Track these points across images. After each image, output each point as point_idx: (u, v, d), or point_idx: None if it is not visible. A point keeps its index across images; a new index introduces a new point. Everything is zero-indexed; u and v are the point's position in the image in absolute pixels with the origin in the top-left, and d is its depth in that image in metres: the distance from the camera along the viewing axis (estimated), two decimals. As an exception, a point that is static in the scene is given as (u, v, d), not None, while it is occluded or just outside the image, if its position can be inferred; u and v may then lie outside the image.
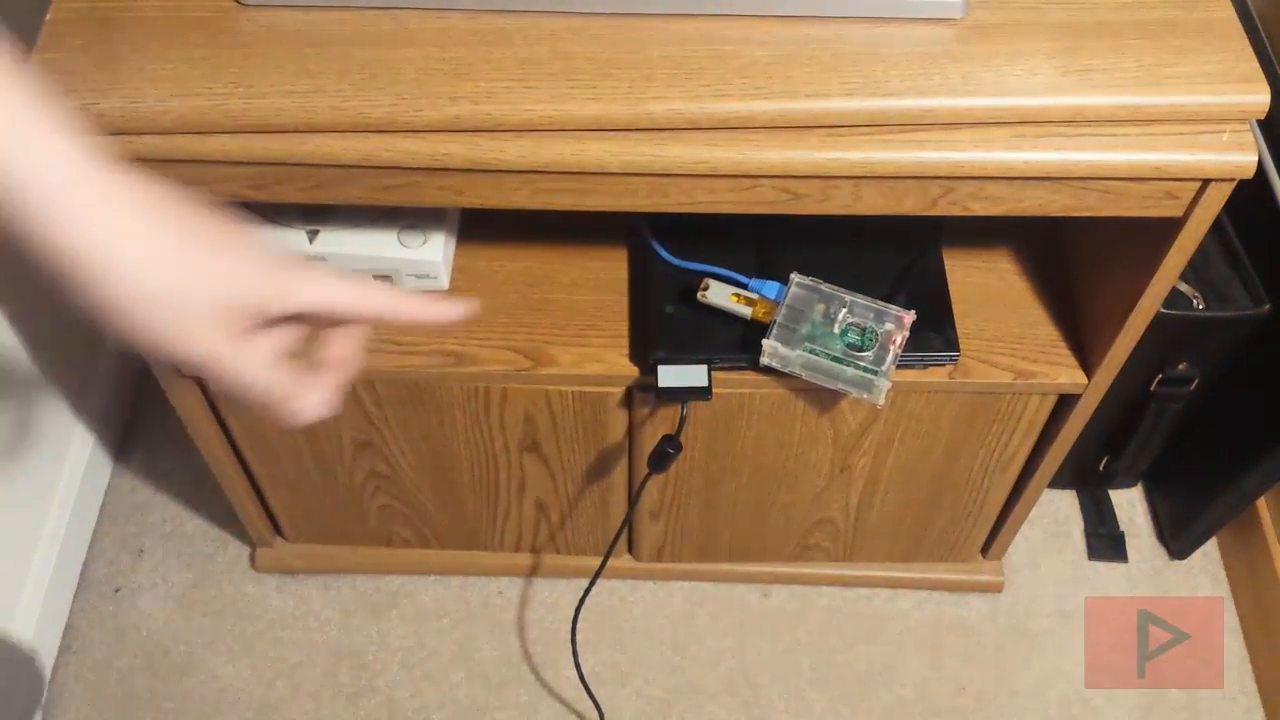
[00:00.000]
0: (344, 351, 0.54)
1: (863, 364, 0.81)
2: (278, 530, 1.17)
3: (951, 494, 1.04)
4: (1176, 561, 1.23)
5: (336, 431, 0.97)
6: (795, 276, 0.85)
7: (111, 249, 0.42)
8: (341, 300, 0.50)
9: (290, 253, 0.51)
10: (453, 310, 0.55)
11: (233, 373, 0.47)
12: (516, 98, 0.65)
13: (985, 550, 1.17)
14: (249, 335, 0.48)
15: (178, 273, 0.44)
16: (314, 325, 0.52)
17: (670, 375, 0.85)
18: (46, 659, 1.12)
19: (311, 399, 0.50)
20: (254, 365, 0.48)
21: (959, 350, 0.87)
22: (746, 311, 0.85)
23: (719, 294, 0.86)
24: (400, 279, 0.88)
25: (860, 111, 0.66)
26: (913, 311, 0.83)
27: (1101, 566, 1.23)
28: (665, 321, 0.87)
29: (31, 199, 0.41)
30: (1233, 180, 0.68)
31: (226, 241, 0.46)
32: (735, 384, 0.88)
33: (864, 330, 0.82)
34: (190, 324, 0.45)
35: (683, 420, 0.89)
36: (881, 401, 0.82)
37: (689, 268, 0.87)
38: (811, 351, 0.82)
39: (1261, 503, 1.15)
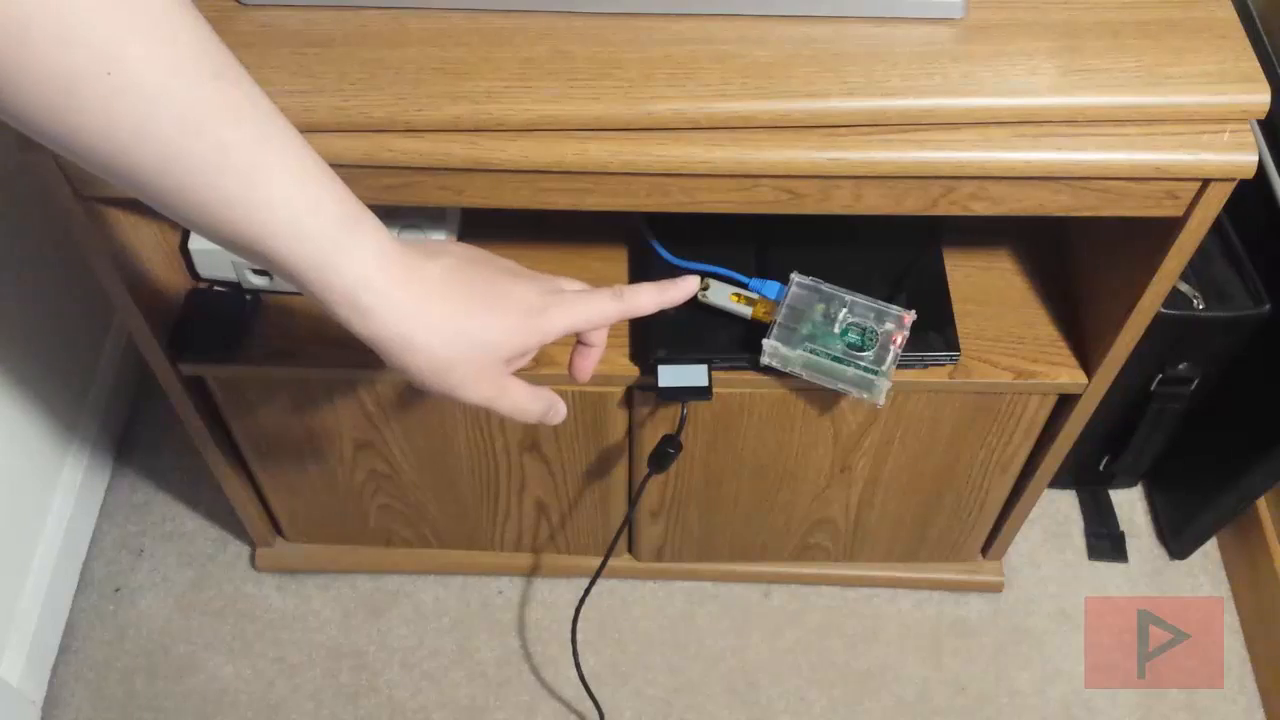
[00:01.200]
0: (585, 361, 0.69)
1: (863, 364, 0.81)
2: (278, 530, 1.17)
3: (951, 494, 1.04)
4: (1176, 561, 1.23)
5: (336, 431, 0.97)
6: (795, 276, 0.85)
7: (414, 335, 0.54)
8: (585, 322, 0.62)
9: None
10: (683, 289, 0.67)
11: (509, 405, 0.60)
12: (516, 98, 0.65)
13: (985, 550, 1.17)
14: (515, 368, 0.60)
15: (464, 346, 0.56)
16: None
17: (670, 375, 0.86)
18: (46, 661, 1.12)
19: (560, 404, 0.64)
20: (524, 395, 0.61)
21: (959, 350, 0.87)
22: (747, 311, 0.86)
23: (719, 294, 0.86)
24: (400, 279, 0.88)
25: (861, 111, 0.66)
26: (913, 311, 0.83)
27: (1101, 566, 1.23)
28: (665, 321, 0.87)
29: (347, 299, 0.52)
30: (1233, 180, 0.68)
31: (497, 299, 0.57)
32: (735, 384, 0.88)
33: (864, 330, 0.82)
34: (472, 378, 0.57)
35: (683, 420, 0.89)
36: (882, 401, 0.82)
37: (689, 268, 0.87)
38: (812, 351, 0.82)
39: (1261, 503, 1.15)
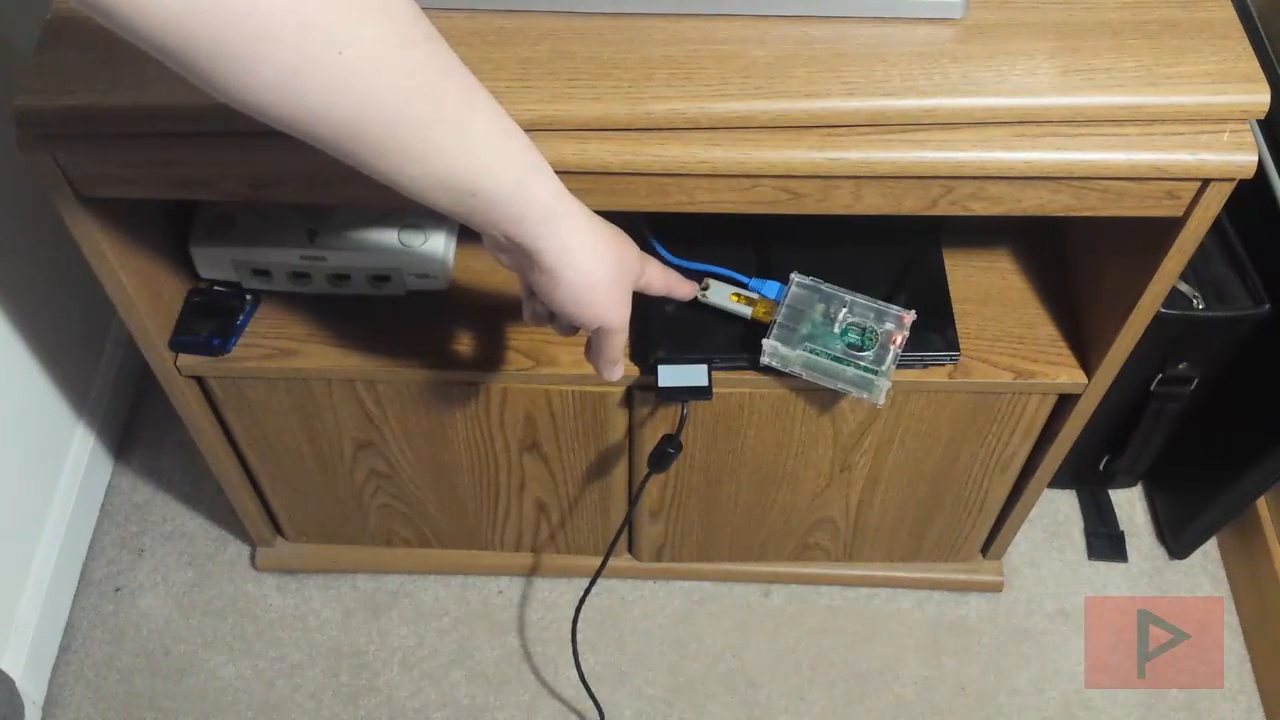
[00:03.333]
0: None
1: (863, 364, 0.81)
2: (278, 530, 1.17)
3: (951, 494, 1.04)
4: (1176, 561, 1.23)
5: (337, 431, 0.97)
6: (795, 276, 0.85)
7: (587, 245, 0.62)
8: (662, 283, 0.74)
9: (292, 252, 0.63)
10: (685, 289, 0.80)
11: (624, 333, 0.69)
12: (516, 98, 0.65)
13: (985, 550, 1.17)
14: None
15: (616, 263, 0.64)
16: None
17: (670, 375, 0.86)
18: (46, 661, 1.13)
19: (623, 364, 0.74)
20: (626, 331, 0.69)
21: (959, 350, 0.87)
22: (747, 311, 0.86)
23: (719, 294, 0.86)
24: (400, 279, 0.88)
25: (860, 111, 0.66)
26: (913, 311, 0.83)
27: (1101, 566, 1.23)
28: (665, 321, 0.87)
29: (539, 221, 0.59)
30: (1233, 180, 0.68)
31: (622, 236, 0.66)
32: (735, 384, 0.88)
33: (864, 330, 0.82)
34: (618, 297, 0.66)
35: (683, 420, 0.89)
36: (882, 401, 0.82)
37: (689, 267, 0.87)
38: (812, 351, 0.82)
39: (1261, 503, 1.15)
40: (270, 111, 0.48)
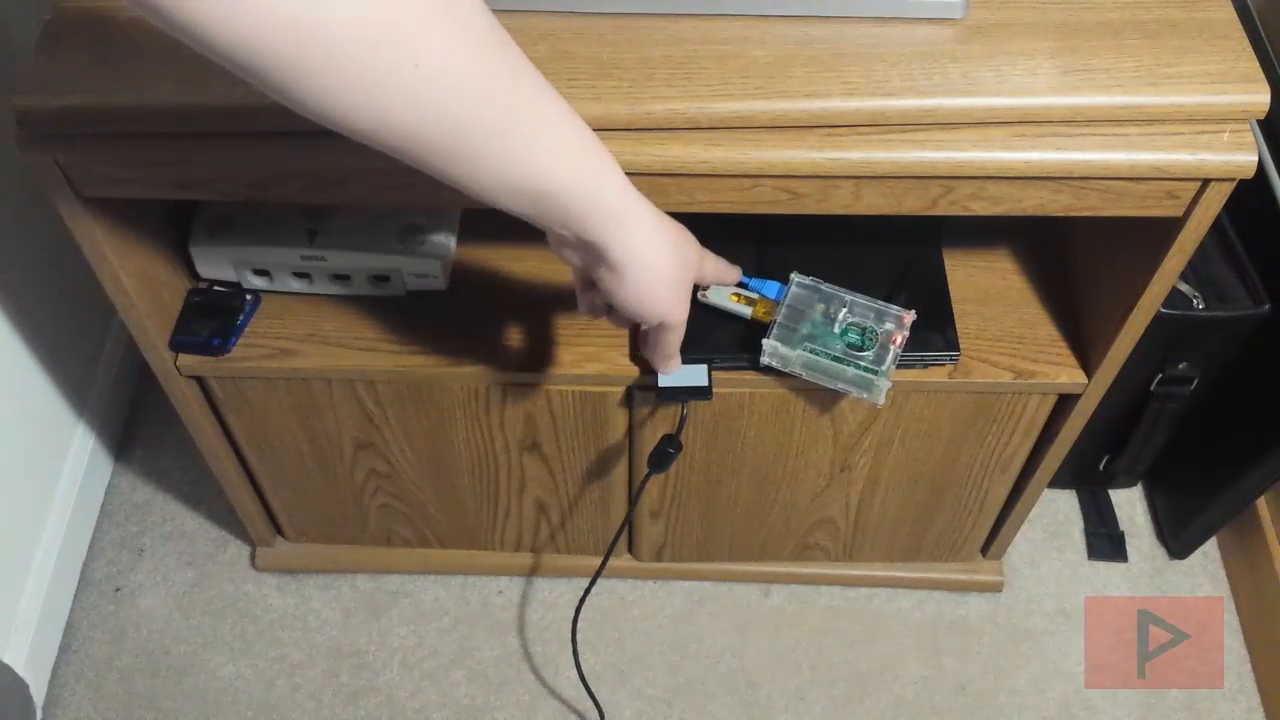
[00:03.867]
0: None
1: (863, 364, 0.81)
2: (278, 530, 1.17)
3: (951, 494, 1.04)
4: (1176, 561, 1.23)
5: (337, 431, 0.97)
6: (795, 276, 0.85)
7: (654, 244, 0.63)
8: (716, 275, 0.76)
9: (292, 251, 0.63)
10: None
11: (677, 336, 0.71)
12: (516, 97, 0.65)
13: (985, 550, 1.17)
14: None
15: (674, 259, 0.65)
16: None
17: (670, 375, 0.86)
18: (46, 660, 1.13)
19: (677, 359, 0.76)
20: (684, 326, 0.70)
21: (959, 350, 0.87)
22: (747, 311, 0.86)
23: (719, 294, 0.86)
24: (400, 279, 0.88)
25: (860, 111, 0.66)
26: (913, 311, 0.83)
27: (1101, 566, 1.23)
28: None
29: (607, 220, 0.60)
30: (1233, 180, 0.68)
31: (685, 233, 0.67)
32: (735, 384, 0.88)
33: (864, 330, 0.82)
34: (680, 295, 0.67)
35: (683, 420, 0.89)
36: (882, 401, 0.82)
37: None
38: (812, 351, 0.82)
39: (1261, 503, 1.15)
40: (348, 124, 0.49)
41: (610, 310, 0.72)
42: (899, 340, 0.82)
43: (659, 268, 0.64)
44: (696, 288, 0.78)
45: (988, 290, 0.92)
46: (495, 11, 0.68)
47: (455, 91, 0.50)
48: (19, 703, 0.92)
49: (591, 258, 0.63)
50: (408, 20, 0.47)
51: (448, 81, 0.49)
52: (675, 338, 0.71)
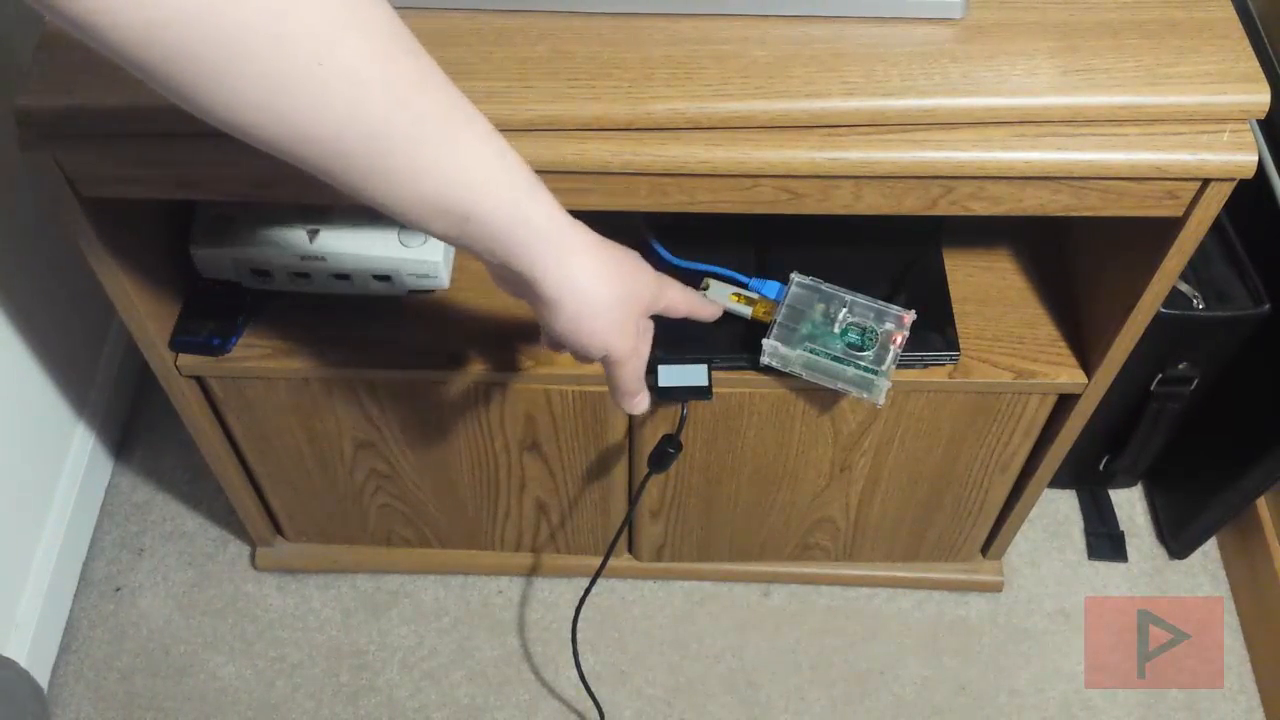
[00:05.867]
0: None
1: (863, 364, 0.81)
2: (278, 530, 1.17)
3: (951, 494, 1.04)
4: (1176, 561, 1.23)
5: (337, 431, 0.97)
6: (795, 276, 0.85)
7: (587, 274, 0.60)
8: (686, 306, 0.73)
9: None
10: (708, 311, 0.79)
11: (636, 362, 0.67)
12: (516, 98, 0.65)
13: (985, 550, 1.17)
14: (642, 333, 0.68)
15: (620, 291, 0.62)
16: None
17: (670, 375, 0.86)
18: (46, 660, 1.13)
19: (645, 396, 0.72)
20: (641, 366, 0.68)
21: (959, 350, 0.87)
22: (747, 311, 0.86)
23: (719, 293, 0.86)
24: (400, 279, 0.88)
25: (860, 111, 0.66)
26: (913, 311, 0.83)
27: (1101, 566, 1.23)
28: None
29: (536, 244, 0.57)
30: (1233, 180, 0.68)
31: (632, 260, 0.65)
32: (735, 384, 0.88)
33: (864, 330, 0.82)
34: (619, 325, 0.63)
35: (683, 420, 0.89)
36: (882, 401, 0.82)
37: (689, 267, 0.87)
38: (812, 351, 0.82)
39: (1261, 503, 1.15)
40: (254, 132, 0.47)
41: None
42: (899, 340, 0.82)
43: (597, 298, 0.60)
44: (666, 315, 0.73)
45: (988, 290, 0.92)
46: (496, 12, 0.69)
47: (362, 97, 0.47)
48: (35, 708, 0.92)
49: (526, 291, 0.60)
50: (313, 18, 0.45)
51: (354, 86, 0.47)
52: (627, 374, 0.67)
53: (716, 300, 0.86)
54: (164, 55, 0.43)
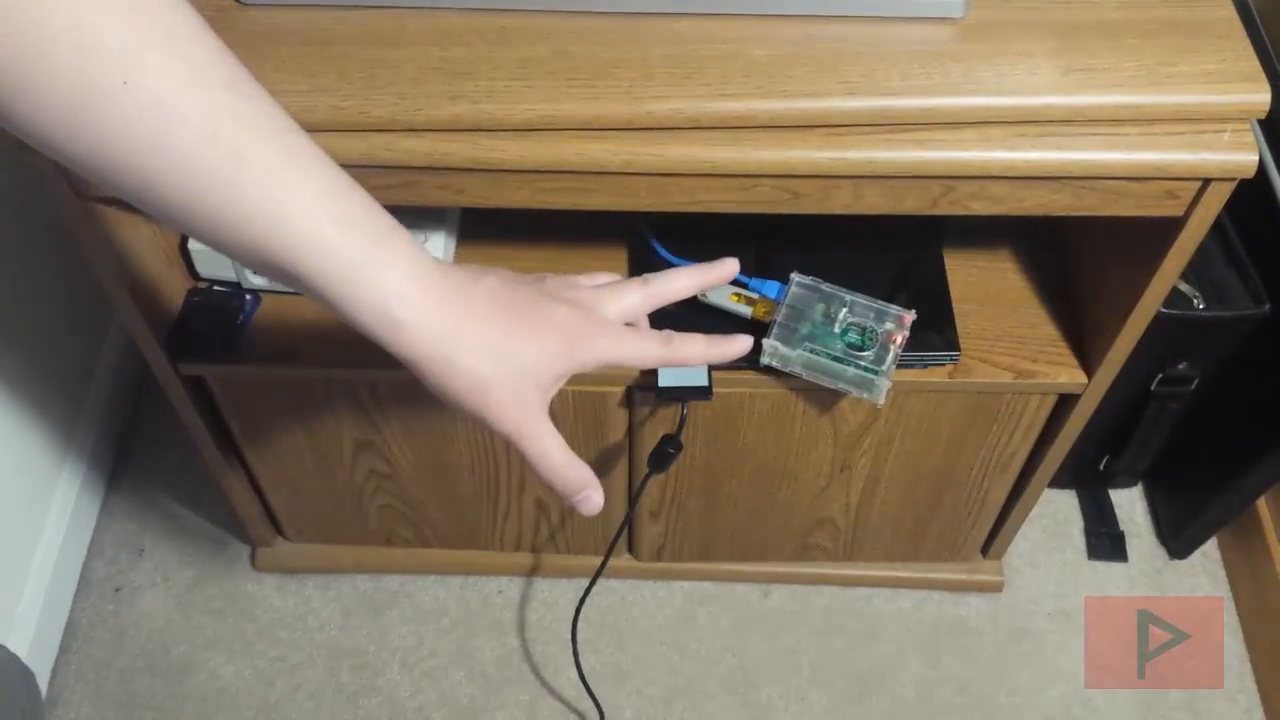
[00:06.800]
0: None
1: (863, 363, 0.81)
2: (278, 530, 1.17)
3: (951, 493, 1.04)
4: (1176, 561, 1.23)
5: (337, 431, 0.97)
6: (795, 276, 0.85)
7: (451, 353, 0.52)
8: (626, 360, 0.60)
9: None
10: (734, 348, 0.66)
11: (537, 447, 0.58)
12: (516, 97, 0.65)
13: (985, 550, 1.17)
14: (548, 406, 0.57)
15: (504, 368, 0.54)
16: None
17: (670, 375, 0.85)
18: (46, 660, 1.12)
19: (595, 494, 0.61)
20: (555, 447, 0.59)
21: (959, 350, 0.87)
22: (747, 311, 0.85)
23: (719, 293, 0.86)
24: (400, 279, 0.88)
25: (861, 111, 0.66)
26: (913, 311, 0.83)
27: (1101, 566, 1.23)
28: (665, 321, 0.87)
29: (381, 309, 0.50)
30: (1233, 180, 0.68)
31: (538, 321, 0.55)
32: (735, 384, 0.88)
33: (864, 330, 0.82)
34: (507, 402, 0.55)
35: (683, 420, 0.89)
36: (882, 401, 0.82)
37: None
38: (812, 351, 0.82)
39: (1261, 503, 1.15)
40: (62, 149, 0.44)
41: None
42: (899, 340, 0.82)
43: (458, 377, 0.53)
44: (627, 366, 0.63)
45: (988, 290, 0.92)
46: (496, 11, 0.69)
47: (169, 121, 0.43)
48: (24, 689, 0.92)
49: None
50: (118, 29, 0.42)
51: (160, 108, 0.43)
52: (534, 457, 0.59)
53: (716, 301, 0.86)
54: None
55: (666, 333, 0.62)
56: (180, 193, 0.46)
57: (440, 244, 0.87)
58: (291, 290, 0.90)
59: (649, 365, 0.63)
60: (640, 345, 0.61)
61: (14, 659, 0.88)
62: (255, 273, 0.51)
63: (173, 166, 0.45)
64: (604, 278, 0.63)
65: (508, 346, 0.54)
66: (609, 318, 0.60)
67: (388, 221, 0.51)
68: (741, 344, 0.66)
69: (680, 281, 0.64)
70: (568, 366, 0.57)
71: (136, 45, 0.42)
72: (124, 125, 0.43)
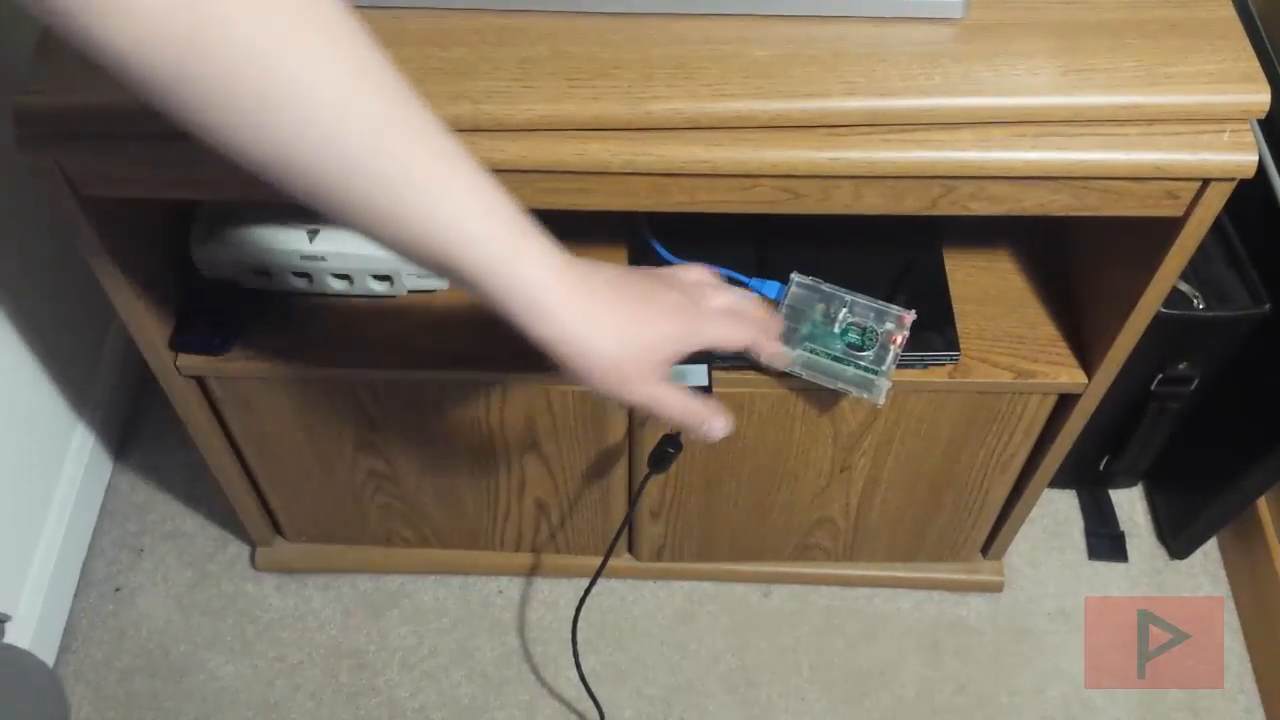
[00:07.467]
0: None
1: (863, 364, 0.81)
2: (278, 530, 1.17)
3: (952, 493, 1.04)
4: (1176, 561, 1.23)
5: (337, 431, 0.97)
6: (795, 276, 0.85)
7: (588, 335, 0.58)
8: (726, 342, 0.68)
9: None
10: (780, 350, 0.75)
11: (664, 407, 0.64)
12: (516, 97, 0.65)
13: (985, 550, 1.17)
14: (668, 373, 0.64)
15: (623, 343, 0.60)
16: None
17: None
18: (47, 660, 1.12)
19: (720, 420, 0.67)
20: (678, 398, 0.64)
21: (959, 350, 0.87)
22: (747, 311, 0.85)
23: (719, 294, 0.86)
24: (400, 279, 0.88)
25: (861, 111, 0.66)
26: (913, 311, 0.83)
27: (1101, 566, 1.23)
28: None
29: (525, 306, 0.56)
30: (1233, 180, 0.68)
31: (655, 304, 0.63)
32: (735, 383, 0.88)
33: (864, 330, 0.82)
34: (636, 377, 0.61)
35: (683, 420, 0.89)
36: (882, 401, 0.82)
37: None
38: (812, 351, 0.82)
39: (1261, 503, 1.15)
40: (242, 152, 0.48)
41: None
42: (899, 340, 0.82)
43: (592, 357, 0.58)
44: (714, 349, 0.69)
45: (988, 290, 0.92)
46: (496, 11, 0.69)
47: (340, 129, 0.48)
48: (54, 700, 0.92)
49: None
50: (297, 47, 0.46)
51: (333, 117, 0.48)
52: (663, 413, 0.64)
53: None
54: (157, 75, 0.45)
55: (769, 321, 0.73)
56: (349, 193, 0.50)
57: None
58: (290, 289, 0.90)
59: (741, 347, 0.70)
60: (739, 331, 0.69)
61: (43, 666, 0.89)
62: (416, 264, 0.55)
63: (343, 169, 0.49)
64: (697, 273, 0.70)
65: (634, 330, 0.60)
66: (713, 307, 0.68)
67: (523, 216, 0.55)
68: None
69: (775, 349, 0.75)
70: (683, 346, 0.64)
71: (315, 61, 0.47)
72: (300, 130, 0.48)
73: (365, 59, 0.49)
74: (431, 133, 0.51)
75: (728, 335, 0.67)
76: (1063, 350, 0.89)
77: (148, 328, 0.85)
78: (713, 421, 0.66)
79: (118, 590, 1.19)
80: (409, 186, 0.51)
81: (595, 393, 0.60)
